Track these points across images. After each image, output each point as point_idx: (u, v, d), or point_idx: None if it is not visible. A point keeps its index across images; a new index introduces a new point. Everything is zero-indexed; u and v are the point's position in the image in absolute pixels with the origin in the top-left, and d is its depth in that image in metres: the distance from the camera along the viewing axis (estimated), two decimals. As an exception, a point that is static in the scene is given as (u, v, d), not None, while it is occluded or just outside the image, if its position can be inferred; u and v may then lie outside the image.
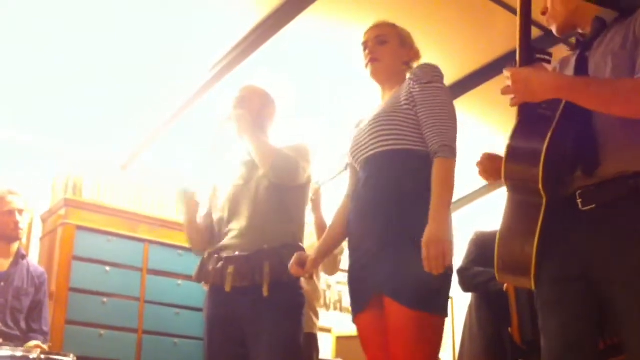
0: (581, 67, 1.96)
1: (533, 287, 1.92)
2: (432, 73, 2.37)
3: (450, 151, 2.25)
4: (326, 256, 2.57)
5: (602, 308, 1.86)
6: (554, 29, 2.08)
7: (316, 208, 3.54)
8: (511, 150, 1.83)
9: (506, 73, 1.86)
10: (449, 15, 3.81)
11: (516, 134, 1.86)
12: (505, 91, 1.87)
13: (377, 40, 2.50)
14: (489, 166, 2.13)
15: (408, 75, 2.45)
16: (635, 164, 1.80)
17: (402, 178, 2.29)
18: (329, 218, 3.70)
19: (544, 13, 2.06)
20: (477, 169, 2.20)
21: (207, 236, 2.85)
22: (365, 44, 2.52)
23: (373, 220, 2.30)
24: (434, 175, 2.22)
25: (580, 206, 1.85)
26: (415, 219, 2.19)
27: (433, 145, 2.27)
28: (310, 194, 2.95)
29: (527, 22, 1.88)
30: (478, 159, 2.19)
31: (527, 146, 1.82)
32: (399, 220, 2.23)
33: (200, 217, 2.87)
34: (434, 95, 2.32)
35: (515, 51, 4.02)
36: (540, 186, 1.79)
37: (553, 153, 1.79)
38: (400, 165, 2.31)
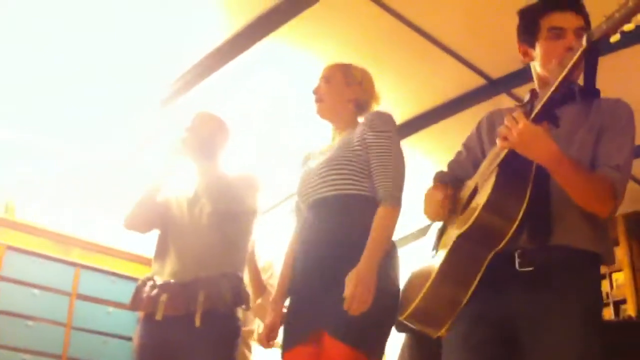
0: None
1: (435, 336, 1.93)
2: (386, 121, 2.41)
3: (396, 201, 2.29)
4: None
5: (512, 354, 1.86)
6: (540, 78, 2.02)
7: (250, 258, 3.46)
8: (490, 201, 1.80)
9: (517, 118, 1.78)
10: (401, 59, 3.90)
11: (497, 185, 1.81)
12: (503, 132, 1.81)
13: (323, 80, 2.55)
14: (442, 196, 2.07)
15: (361, 119, 2.48)
16: (582, 243, 1.84)
17: (348, 221, 2.31)
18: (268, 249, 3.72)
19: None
20: (416, 209, 2.20)
21: (146, 216, 2.76)
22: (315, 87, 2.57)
23: (318, 260, 2.30)
24: (375, 221, 2.26)
25: (517, 266, 1.86)
26: (359, 261, 2.20)
27: (381, 193, 2.30)
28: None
29: (568, 79, 1.77)
30: (421, 197, 2.18)
31: (505, 203, 1.80)
32: (345, 262, 2.22)
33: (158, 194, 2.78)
34: (387, 144, 2.35)
35: (461, 98, 4.19)
36: (503, 244, 1.80)
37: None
38: (348, 209, 2.33)
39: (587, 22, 1.97)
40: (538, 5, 2.03)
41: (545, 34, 1.97)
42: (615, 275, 5.01)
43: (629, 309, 4.74)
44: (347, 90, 2.52)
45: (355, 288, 2.11)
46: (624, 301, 4.86)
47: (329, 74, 2.55)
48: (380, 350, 2.26)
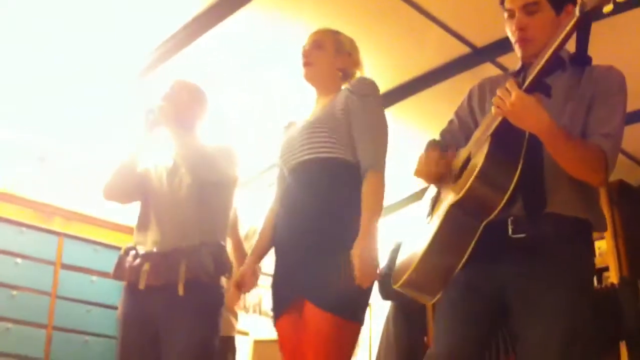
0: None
1: (429, 303, 1.94)
2: (370, 87, 2.40)
3: (382, 166, 2.31)
4: (260, 261, 2.55)
5: (502, 324, 1.91)
6: (523, 54, 1.99)
7: (232, 229, 3.46)
8: (483, 170, 1.81)
9: (510, 88, 1.78)
10: (384, 27, 3.86)
11: (490, 155, 1.82)
12: (497, 102, 1.81)
13: (314, 44, 2.53)
14: (437, 162, 2.05)
15: (345, 86, 2.47)
16: (574, 211, 1.86)
17: (331, 186, 2.31)
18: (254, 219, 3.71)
19: (521, 29, 1.94)
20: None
21: (124, 187, 2.75)
22: (303, 48, 2.54)
23: (301, 226, 2.31)
24: (366, 188, 2.27)
25: (510, 232, 1.88)
26: (342, 227, 2.22)
27: (366, 159, 2.31)
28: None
29: (560, 49, 1.77)
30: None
31: (498, 173, 1.81)
32: (326, 227, 2.25)
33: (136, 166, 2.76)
34: (371, 110, 2.36)
35: (445, 66, 4.16)
36: (494, 214, 1.81)
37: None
38: (329, 173, 2.33)
39: None
40: None
41: (505, 14, 1.99)
42: (597, 243, 5.06)
43: (612, 277, 4.80)
44: (336, 58, 2.53)
45: (362, 263, 2.12)
46: (606, 269, 4.92)
47: (320, 39, 2.53)
48: (361, 317, 2.28)
